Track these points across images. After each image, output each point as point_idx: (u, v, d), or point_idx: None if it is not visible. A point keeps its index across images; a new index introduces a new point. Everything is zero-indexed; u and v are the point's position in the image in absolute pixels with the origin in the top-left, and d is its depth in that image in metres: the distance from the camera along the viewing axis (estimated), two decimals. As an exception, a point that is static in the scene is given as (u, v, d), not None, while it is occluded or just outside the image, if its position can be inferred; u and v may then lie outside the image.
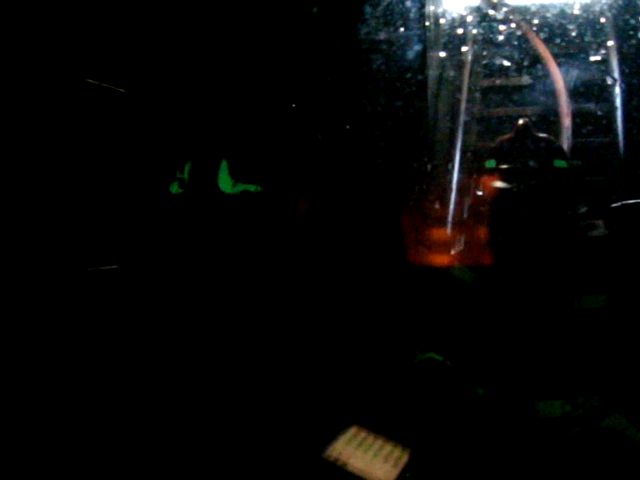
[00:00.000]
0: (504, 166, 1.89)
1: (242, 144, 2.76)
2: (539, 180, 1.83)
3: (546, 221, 1.83)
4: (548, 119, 2.87)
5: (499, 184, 1.91)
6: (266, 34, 2.76)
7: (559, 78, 2.84)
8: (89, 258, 2.37)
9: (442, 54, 3.18)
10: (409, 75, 2.93)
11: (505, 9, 3.00)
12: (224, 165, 2.65)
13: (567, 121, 2.72)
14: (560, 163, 1.85)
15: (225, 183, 2.64)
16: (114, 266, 2.48)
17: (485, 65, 3.24)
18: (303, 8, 2.77)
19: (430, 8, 3.02)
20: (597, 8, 3.05)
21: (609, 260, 1.80)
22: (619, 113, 2.73)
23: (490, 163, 1.95)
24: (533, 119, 2.78)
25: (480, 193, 2.23)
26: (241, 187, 2.65)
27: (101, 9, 2.38)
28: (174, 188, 2.65)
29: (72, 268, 2.28)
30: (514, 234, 1.89)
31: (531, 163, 1.85)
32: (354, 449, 1.80)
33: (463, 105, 2.94)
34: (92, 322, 2.27)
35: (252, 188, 2.66)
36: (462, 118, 2.93)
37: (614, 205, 1.87)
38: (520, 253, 1.86)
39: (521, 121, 1.91)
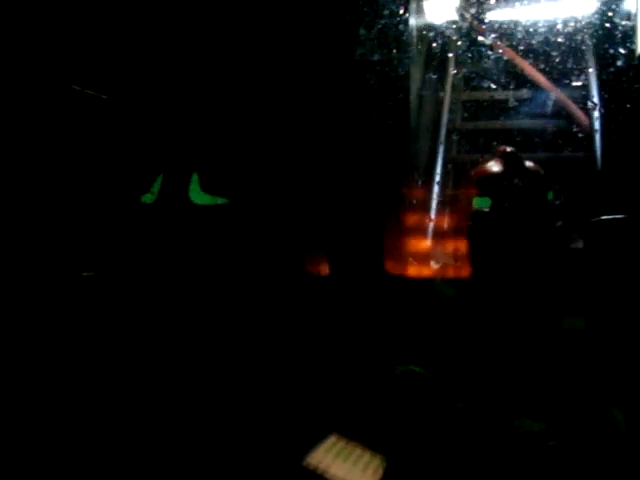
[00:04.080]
0: (499, 208, 1.88)
1: (213, 157, 2.82)
2: (534, 215, 1.85)
3: (528, 242, 1.86)
4: (534, 136, 2.94)
5: (485, 210, 1.92)
6: (257, 48, 2.81)
7: (559, 92, 2.93)
8: (67, 264, 2.36)
9: (428, 72, 3.26)
10: (396, 91, 2.99)
11: (487, 28, 3.09)
12: (195, 178, 2.72)
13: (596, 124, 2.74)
14: (550, 195, 1.87)
15: (195, 195, 2.71)
16: (91, 273, 2.47)
17: (468, 83, 3.33)
18: (299, 24, 2.82)
19: (413, 23, 3.10)
20: (579, 37, 3.16)
21: (589, 282, 1.84)
22: (598, 135, 2.81)
23: (484, 202, 1.93)
24: (518, 137, 2.85)
25: (464, 211, 2.26)
26: (210, 199, 2.71)
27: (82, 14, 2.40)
28: (146, 198, 2.70)
29: (49, 274, 2.26)
30: (496, 252, 1.92)
31: (527, 201, 1.85)
32: (334, 457, 1.79)
33: (445, 119, 3.01)
34: (70, 328, 2.25)
35: (221, 200, 2.71)
36: (443, 130, 2.99)
37: (593, 221, 1.92)
38: (501, 271, 1.89)
39: (508, 149, 1.91)
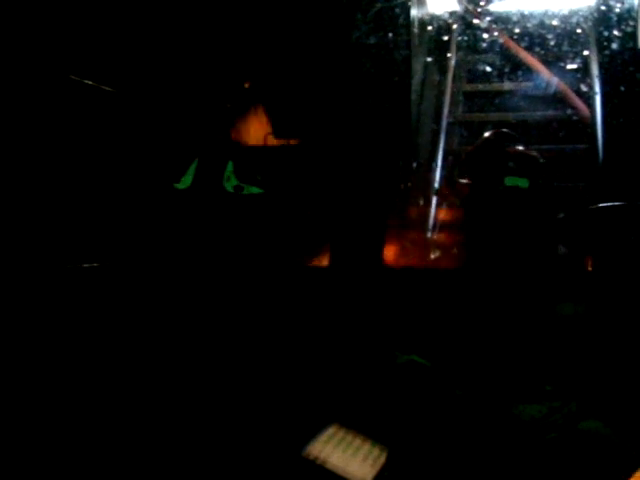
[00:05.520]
0: (464, 181, 1.90)
1: (248, 147, 2.82)
2: (490, 197, 1.84)
3: (517, 230, 1.85)
4: (529, 124, 2.92)
5: (468, 195, 1.92)
6: (265, 38, 2.80)
7: (560, 82, 2.91)
8: (84, 255, 2.35)
9: (427, 59, 3.23)
10: (395, 78, 2.96)
11: (488, 18, 3.06)
12: (230, 166, 2.73)
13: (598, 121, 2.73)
14: (518, 182, 1.84)
15: (230, 183, 2.72)
16: (95, 264, 2.45)
17: (468, 70, 3.30)
18: (299, 13, 2.80)
19: (414, 13, 3.06)
20: (576, 19, 3.12)
21: (587, 268, 1.83)
22: (598, 120, 2.78)
23: (455, 174, 1.95)
24: (513, 122, 2.82)
25: (455, 198, 2.25)
26: (244, 188, 2.72)
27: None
28: (179, 185, 2.70)
29: (61, 266, 2.25)
30: (490, 240, 1.91)
31: (483, 180, 1.85)
32: (334, 447, 1.80)
33: (446, 109, 2.98)
34: (77, 320, 2.24)
35: (255, 190, 2.72)
36: (444, 121, 2.97)
37: (591, 208, 1.91)
38: (499, 259, 1.89)
39: (487, 134, 1.90)
